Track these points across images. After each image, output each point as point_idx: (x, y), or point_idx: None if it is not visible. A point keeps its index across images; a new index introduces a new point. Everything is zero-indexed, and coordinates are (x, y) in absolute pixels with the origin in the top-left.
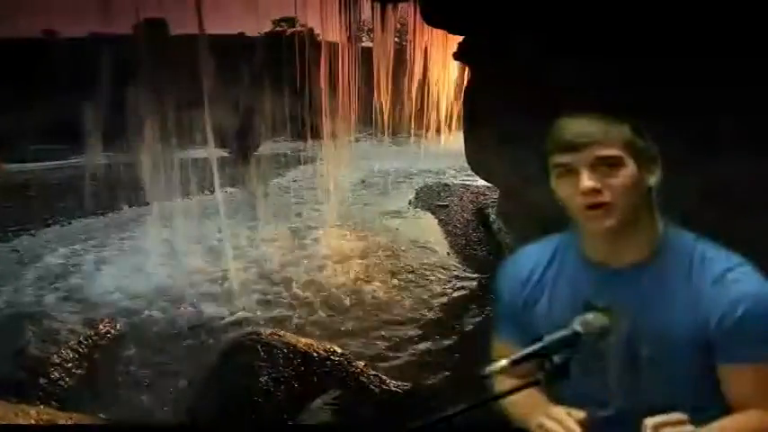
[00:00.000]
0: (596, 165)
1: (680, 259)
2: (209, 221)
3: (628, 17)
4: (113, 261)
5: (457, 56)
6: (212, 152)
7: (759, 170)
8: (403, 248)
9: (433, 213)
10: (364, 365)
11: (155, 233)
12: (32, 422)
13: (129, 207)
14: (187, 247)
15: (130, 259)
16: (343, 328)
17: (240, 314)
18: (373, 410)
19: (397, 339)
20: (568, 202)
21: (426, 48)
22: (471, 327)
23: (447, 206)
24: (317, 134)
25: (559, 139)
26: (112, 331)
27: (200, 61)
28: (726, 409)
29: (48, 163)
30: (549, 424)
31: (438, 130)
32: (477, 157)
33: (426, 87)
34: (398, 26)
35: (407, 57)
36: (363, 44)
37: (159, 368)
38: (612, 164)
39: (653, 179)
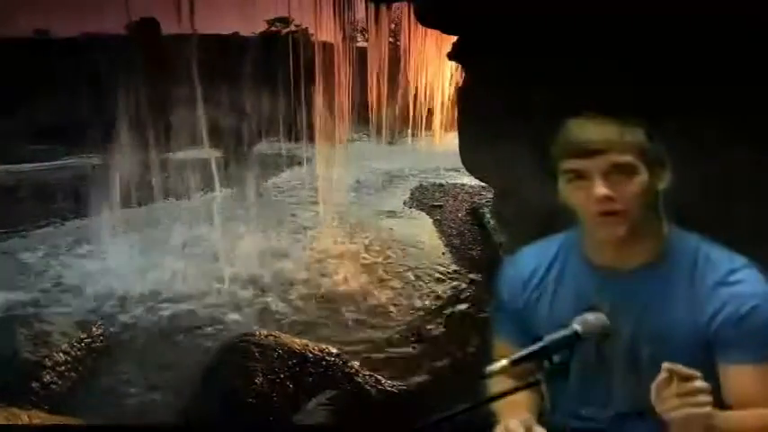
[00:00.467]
0: (610, 171)
1: (684, 261)
2: (202, 222)
3: (624, 16)
4: (105, 262)
5: (451, 56)
6: (207, 153)
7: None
8: (398, 248)
9: (427, 213)
10: (359, 366)
11: (147, 234)
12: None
13: (121, 208)
14: (180, 247)
15: (124, 260)
16: (337, 329)
17: (233, 315)
18: (369, 411)
19: (392, 339)
20: (579, 207)
21: (421, 48)
22: (467, 327)
23: (442, 206)
24: (311, 135)
25: (572, 143)
26: (105, 334)
27: (192, 61)
28: (727, 409)
29: (38, 164)
30: None
31: (432, 130)
32: (471, 157)
33: (421, 87)
34: (393, 26)
35: (402, 57)
36: (358, 44)
37: (152, 370)
38: (626, 171)
39: (662, 184)
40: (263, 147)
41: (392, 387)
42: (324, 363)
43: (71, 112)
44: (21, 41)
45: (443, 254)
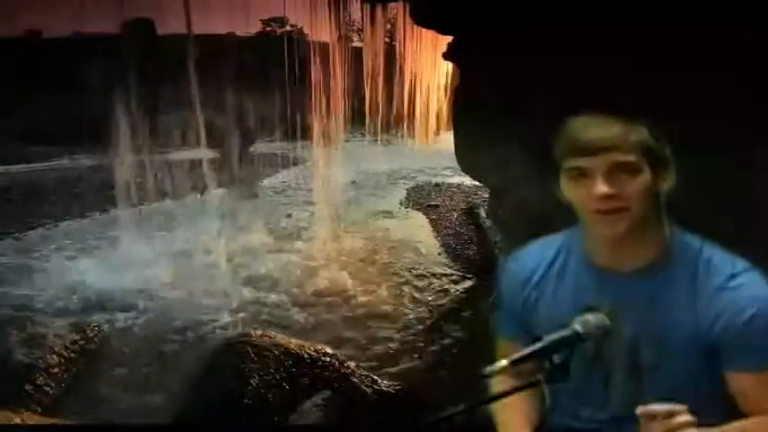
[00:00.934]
0: (612, 170)
1: (686, 264)
2: (198, 223)
3: (620, 16)
4: (98, 263)
5: (446, 56)
6: (202, 153)
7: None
8: (394, 249)
9: (423, 213)
10: (356, 366)
11: (141, 235)
12: None
13: (116, 209)
14: (175, 248)
15: (117, 261)
16: (333, 329)
17: (229, 316)
18: (365, 411)
19: (388, 339)
20: (580, 205)
21: (416, 48)
22: (463, 326)
23: (438, 206)
24: (307, 135)
25: (575, 142)
26: (99, 335)
27: (188, 61)
28: (727, 415)
29: (30, 165)
30: None
31: (428, 130)
32: (466, 157)
33: (416, 87)
34: (388, 26)
35: (397, 57)
36: (354, 44)
37: (147, 372)
38: (629, 170)
39: (666, 184)
40: (258, 147)
41: (388, 387)
42: (320, 363)
43: (64, 113)
44: (13, 41)
45: (439, 254)
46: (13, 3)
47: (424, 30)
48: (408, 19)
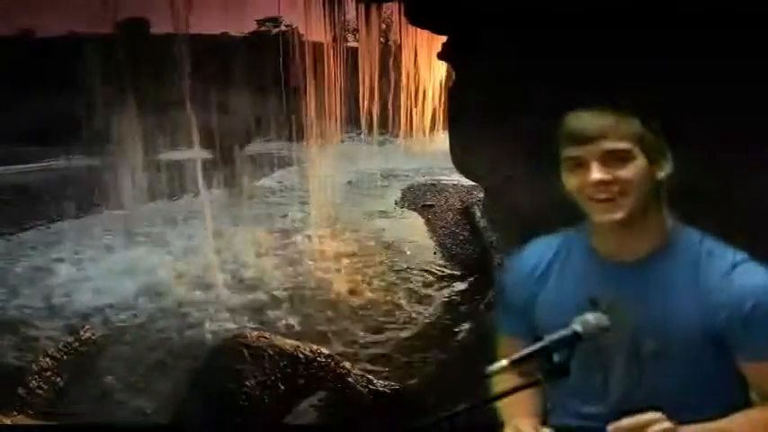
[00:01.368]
0: (606, 158)
1: (687, 254)
2: (192, 223)
3: (613, 16)
4: (93, 265)
5: (441, 56)
6: (197, 153)
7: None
8: (389, 249)
9: (419, 213)
10: (351, 366)
11: (136, 236)
12: None
13: (108, 210)
14: (169, 249)
15: (111, 263)
16: (329, 330)
17: (225, 316)
18: (361, 411)
19: (384, 339)
20: (578, 194)
21: (411, 47)
22: (459, 326)
23: (433, 206)
24: (302, 135)
25: (570, 132)
26: (93, 337)
27: (182, 61)
28: (728, 405)
29: (23, 165)
30: None
31: (423, 130)
32: (461, 157)
33: (412, 87)
34: (384, 26)
35: (392, 57)
36: (349, 44)
37: (142, 373)
38: (622, 157)
39: (663, 173)
40: (254, 147)
41: (384, 387)
42: (315, 363)
43: (56, 113)
44: (5, 41)
45: (435, 253)
46: (6, 2)
47: (419, 29)
48: (403, 19)
